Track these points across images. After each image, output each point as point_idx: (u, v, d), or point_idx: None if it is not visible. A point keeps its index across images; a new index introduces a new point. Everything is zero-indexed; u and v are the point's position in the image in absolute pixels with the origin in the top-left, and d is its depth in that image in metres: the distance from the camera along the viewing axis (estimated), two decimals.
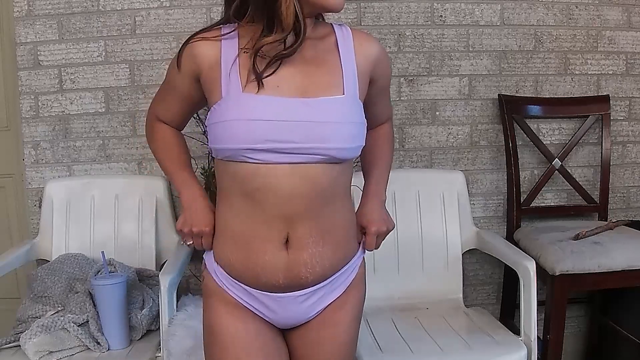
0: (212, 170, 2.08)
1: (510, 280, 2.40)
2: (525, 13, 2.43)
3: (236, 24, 1.23)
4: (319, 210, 1.21)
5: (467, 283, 2.42)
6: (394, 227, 1.39)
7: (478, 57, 2.43)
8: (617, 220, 2.34)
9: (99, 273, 1.98)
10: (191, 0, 2.30)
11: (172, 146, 1.38)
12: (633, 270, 2.03)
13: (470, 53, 2.42)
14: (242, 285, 1.25)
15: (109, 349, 1.87)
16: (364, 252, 1.37)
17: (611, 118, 2.46)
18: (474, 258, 2.46)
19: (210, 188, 2.08)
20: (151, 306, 1.97)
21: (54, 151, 2.34)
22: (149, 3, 2.29)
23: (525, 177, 2.47)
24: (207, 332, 1.30)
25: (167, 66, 1.31)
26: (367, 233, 1.35)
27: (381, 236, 1.37)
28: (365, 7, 2.36)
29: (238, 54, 1.19)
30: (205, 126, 1.25)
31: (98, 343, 1.86)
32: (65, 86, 2.31)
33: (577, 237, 2.11)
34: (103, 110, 2.33)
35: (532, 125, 2.43)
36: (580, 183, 2.45)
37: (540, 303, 1.90)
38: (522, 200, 2.39)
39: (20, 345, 1.81)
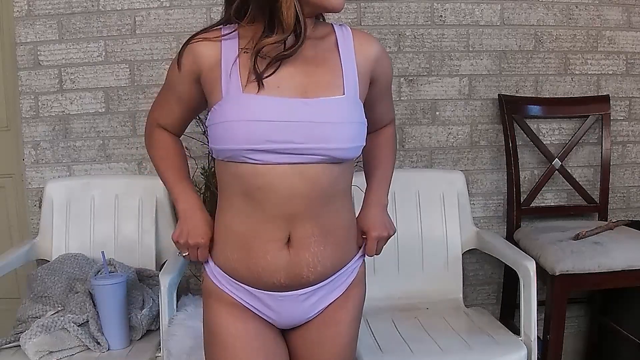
0: (212, 170, 2.08)
1: (510, 280, 2.40)
2: (525, 13, 2.43)
3: (236, 24, 1.23)
4: (320, 209, 1.21)
5: (467, 283, 2.42)
6: (395, 232, 1.39)
7: (478, 57, 2.43)
8: (617, 220, 2.34)
9: (99, 273, 1.98)
10: (191, 0, 2.30)
11: (172, 156, 1.36)
12: (633, 270, 2.03)
13: (470, 53, 2.42)
14: (243, 285, 1.25)
15: (109, 349, 1.87)
16: (364, 256, 1.37)
17: (611, 118, 2.46)
18: (474, 258, 2.46)
19: (211, 188, 2.08)
20: (151, 306, 1.97)
21: (54, 151, 2.34)
22: (149, 3, 2.29)
23: (525, 177, 2.47)
24: (207, 332, 1.30)
25: (167, 66, 1.31)
26: (367, 238, 1.35)
27: (382, 241, 1.37)
28: (365, 7, 2.36)
29: (238, 55, 1.19)
30: (206, 126, 1.25)
31: (98, 343, 1.86)
32: (65, 86, 2.31)
33: (577, 237, 2.11)
34: (103, 110, 2.33)
35: (532, 125, 2.43)
36: (580, 183, 2.45)
37: (540, 303, 1.90)
38: (522, 200, 2.39)
39: (20, 345, 1.81)
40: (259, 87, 1.17)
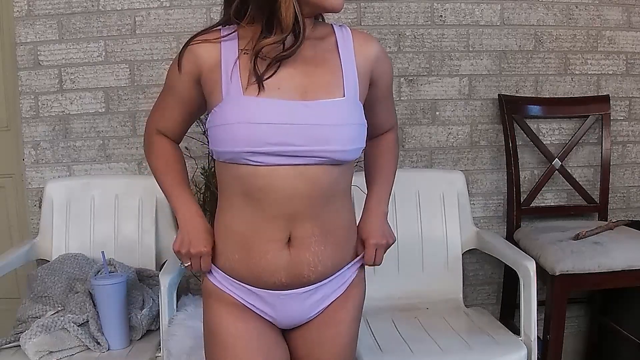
0: (212, 170, 2.08)
1: (510, 280, 2.40)
2: (525, 13, 2.43)
3: (236, 25, 1.23)
4: (320, 209, 1.21)
5: (467, 283, 2.42)
6: (394, 242, 1.39)
7: (478, 57, 2.43)
8: (617, 220, 2.34)
9: (99, 273, 1.98)
10: (191, 0, 2.30)
11: (172, 163, 1.34)
12: (633, 270, 2.03)
13: (470, 53, 2.42)
14: (244, 284, 1.25)
15: (109, 349, 1.87)
16: (362, 261, 1.36)
17: (611, 118, 2.46)
18: (474, 258, 2.46)
19: (211, 188, 2.08)
20: (151, 306, 1.97)
21: (54, 151, 2.34)
22: (149, 3, 2.29)
23: (525, 177, 2.47)
24: (207, 332, 1.30)
25: (167, 66, 1.31)
26: (366, 246, 1.35)
27: (380, 250, 1.36)
28: (365, 7, 2.36)
29: (238, 56, 1.19)
30: (206, 126, 1.25)
31: (98, 343, 1.86)
32: (65, 86, 2.31)
33: (577, 237, 2.11)
34: (103, 110, 2.33)
35: (532, 125, 2.43)
36: (580, 183, 2.45)
37: (540, 303, 1.90)
38: (522, 200, 2.39)
39: (20, 345, 1.81)
40: (259, 89, 1.17)
